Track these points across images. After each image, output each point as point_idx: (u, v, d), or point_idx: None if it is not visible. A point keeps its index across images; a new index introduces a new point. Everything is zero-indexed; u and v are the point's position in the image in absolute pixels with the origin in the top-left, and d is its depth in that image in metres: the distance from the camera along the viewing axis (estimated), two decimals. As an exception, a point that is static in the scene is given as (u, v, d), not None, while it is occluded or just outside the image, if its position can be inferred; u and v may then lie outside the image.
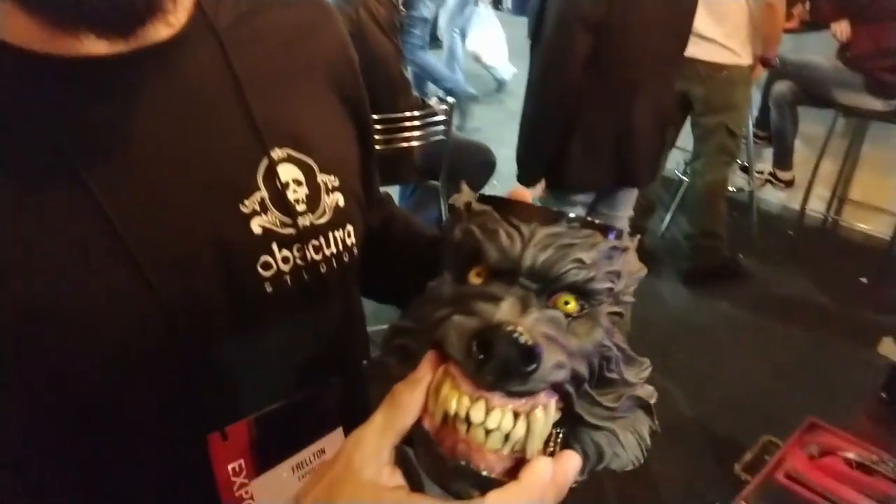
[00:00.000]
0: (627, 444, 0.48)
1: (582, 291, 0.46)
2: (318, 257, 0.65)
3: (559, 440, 0.47)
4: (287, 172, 0.63)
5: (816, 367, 2.74)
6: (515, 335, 0.41)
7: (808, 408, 1.72)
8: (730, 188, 3.47)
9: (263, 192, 0.61)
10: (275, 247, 0.62)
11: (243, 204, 0.60)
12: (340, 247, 0.68)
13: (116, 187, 0.54)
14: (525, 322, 0.43)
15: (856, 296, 3.34)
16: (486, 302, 0.44)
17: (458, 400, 0.43)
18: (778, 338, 2.98)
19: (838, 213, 4.04)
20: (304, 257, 0.64)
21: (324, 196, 0.67)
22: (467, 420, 0.43)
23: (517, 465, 0.44)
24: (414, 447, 0.46)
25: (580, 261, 0.46)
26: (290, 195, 0.63)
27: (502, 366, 0.41)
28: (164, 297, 0.55)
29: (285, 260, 0.63)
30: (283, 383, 0.65)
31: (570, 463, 0.46)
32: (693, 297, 3.34)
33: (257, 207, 0.61)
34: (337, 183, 0.69)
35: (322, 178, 0.67)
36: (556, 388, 0.45)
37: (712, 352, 2.83)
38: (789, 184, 4.18)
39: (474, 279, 0.48)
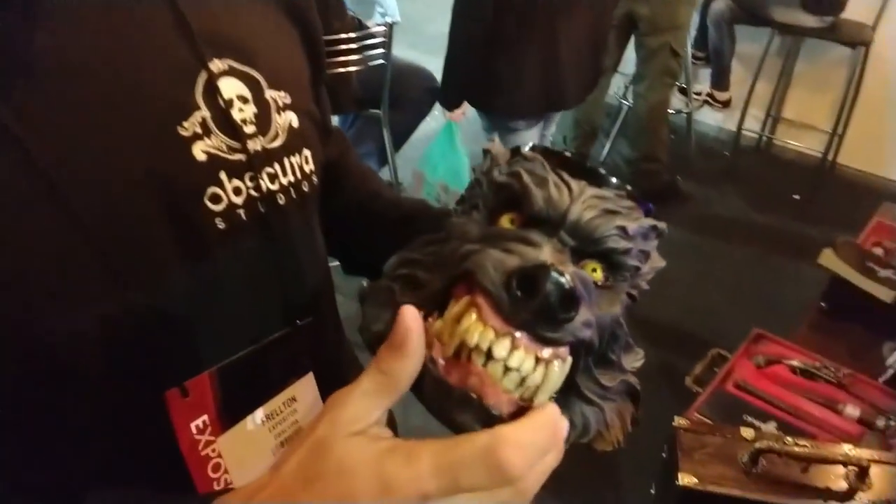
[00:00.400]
0: (613, 425, 0.48)
1: (614, 262, 0.45)
2: (274, 187, 0.59)
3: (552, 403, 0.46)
4: (230, 87, 0.56)
5: (757, 281, 2.83)
6: (563, 279, 0.39)
7: (752, 321, 1.77)
8: (669, 111, 3.48)
9: (204, 112, 0.54)
10: (223, 176, 0.55)
11: (182, 126, 0.52)
12: (298, 174, 0.62)
13: (30, 114, 0.46)
14: (569, 270, 0.41)
15: (790, 212, 3.44)
16: (524, 245, 0.42)
17: (482, 332, 0.40)
18: (719, 256, 3.06)
19: (772, 132, 4.12)
20: (258, 187, 0.57)
21: (274, 115, 0.60)
22: (488, 355, 0.41)
23: (517, 414, 0.42)
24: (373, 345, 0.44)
25: (624, 229, 0.44)
26: (236, 115, 0.56)
27: (543, 306, 0.39)
28: (98, 238, 0.48)
29: (237, 191, 0.56)
30: (247, 329, 0.59)
31: (566, 422, 0.43)
32: (635, 221, 3.37)
33: (198, 129, 0.53)
34: (288, 100, 0.62)
35: (271, 94, 0.60)
36: (573, 348, 0.43)
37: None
38: (726, 104, 4.23)
39: (506, 224, 0.46)
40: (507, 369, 0.41)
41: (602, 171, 0.48)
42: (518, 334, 0.40)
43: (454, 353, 0.42)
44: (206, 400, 0.55)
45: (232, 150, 0.55)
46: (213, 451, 0.56)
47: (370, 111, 2.69)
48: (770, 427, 1.45)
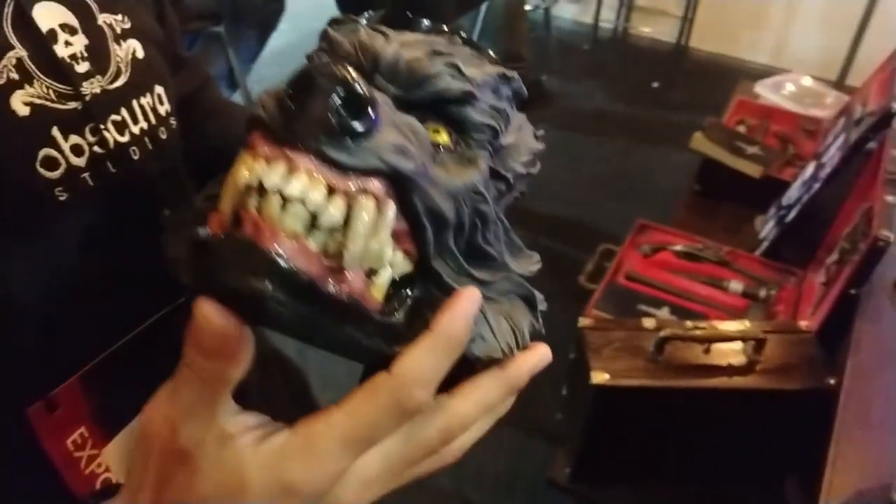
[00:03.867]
0: (497, 328, 0.38)
1: (456, 118, 0.36)
2: (123, 139, 0.46)
3: (407, 302, 0.35)
4: (49, 15, 0.43)
5: (631, 172, 2.90)
6: (345, 72, 0.29)
7: (632, 211, 1.79)
8: (526, 7, 3.42)
9: (19, 50, 0.41)
10: (56, 133, 0.42)
11: None
12: (152, 118, 0.49)
13: None
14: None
15: (652, 100, 3.53)
16: None
17: (251, 167, 0.30)
18: (590, 151, 3.11)
19: (627, 21, 4.17)
20: (102, 142, 0.45)
21: (112, 46, 0.47)
22: (261, 193, 0.30)
23: (328, 276, 0.31)
24: (180, 264, 0.33)
25: (456, 67, 0.35)
26: (62, 50, 0.43)
27: (320, 110, 0.29)
28: None
29: (76, 150, 0.43)
30: (116, 319, 0.48)
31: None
32: (505, 124, 3.35)
33: (14, 75, 0.40)
34: (128, 24, 0.49)
35: (104, 18, 0.47)
36: (405, 201, 0.32)
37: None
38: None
39: None
40: (286, 201, 0.30)
41: (456, 33, 0.40)
42: (296, 155, 0.30)
43: (234, 218, 0.31)
44: (80, 410, 0.45)
45: (62, 97, 0.42)
46: (99, 466, 0.46)
47: (210, 29, 2.42)
48: (664, 312, 1.48)
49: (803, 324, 1.23)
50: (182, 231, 0.34)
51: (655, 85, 3.65)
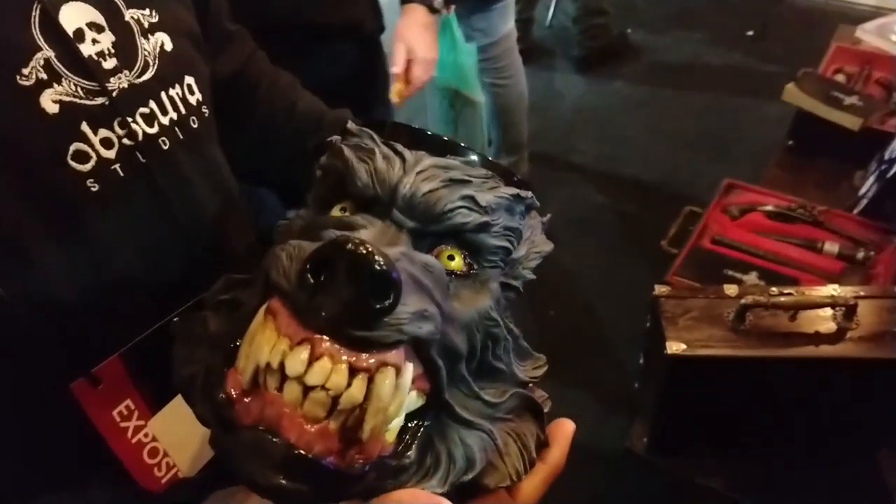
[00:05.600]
0: (508, 452, 0.38)
1: (471, 244, 0.37)
2: (152, 130, 0.49)
3: (419, 435, 0.35)
4: (76, 14, 0.45)
5: (720, 128, 2.76)
6: (364, 252, 0.29)
7: (721, 170, 1.71)
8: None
9: (47, 51, 0.43)
10: (85, 128, 0.45)
11: (21, 75, 0.42)
12: (182, 109, 0.51)
13: None
14: (383, 248, 0.31)
15: (745, 50, 3.33)
16: (344, 230, 0.33)
17: (275, 345, 0.31)
18: (676, 107, 2.98)
19: (719, -33, 3.93)
20: (131, 134, 0.47)
21: (140, 41, 0.49)
22: (282, 374, 0.31)
23: (346, 450, 0.32)
24: (211, 427, 0.34)
25: (472, 199, 0.36)
26: (88, 48, 0.45)
27: (345, 295, 0.29)
28: None
29: (106, 143, 0.46)
30: (155, 301, 0.50)
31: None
32: (588, 83, 3.27)
33: (43, 75, 0.43)
34: (155, 18, 0.51)
35: (132, 14, 0.49)
36: (421, 354, 0.33)
37: (614, 134, 2.79)
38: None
39: (336, 214, 0.38)
40: (308, 389, 0.30)
41: (461, 143, 0.39)
42: (319, 339, 0.30)
43: (252, 382, 0.32)
44: (124, 384, 0.48)
45: (90, 93, 0.45)
46: (146, 435, 0.50)
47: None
48: (752, 277, 1.42)
49: (901, 288, 1.16)
50: (191, 341, 0.37)
51: (749, 34, 3.44)
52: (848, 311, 1.08)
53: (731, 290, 1.17)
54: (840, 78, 1.87)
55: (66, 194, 0.44)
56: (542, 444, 0.40)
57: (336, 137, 0.41)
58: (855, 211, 1.56)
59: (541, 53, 3.43)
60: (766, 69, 3.05)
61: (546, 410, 0.42)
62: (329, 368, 0.30)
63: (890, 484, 1.11)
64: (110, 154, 0.46)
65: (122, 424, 0.48)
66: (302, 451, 0.30)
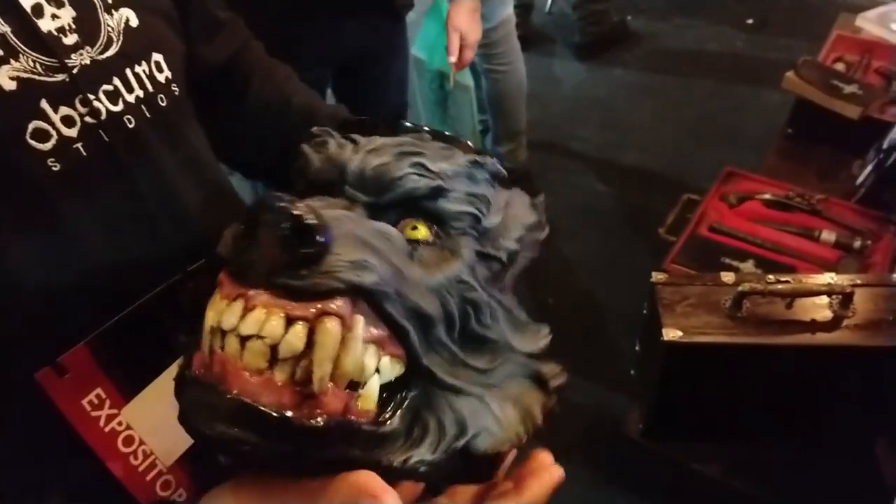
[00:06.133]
0: (504, 417, 0.37)
1: (432, 212, 0.37)
2: (117, 108, 0.48)
3: (405, 405, 0.35)
4: None
5: (720, 115, 2.75)
6: (283, 205, 0.30)
7: (720, 157, 1.71)
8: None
9: (3, 27, 0.42)
10: (45, 105, 0.44)
11: None
12: (149, 86, 0.50)
13: None
14: (320, 209, 0.32)
15: (746, 38, 3.32)
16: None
17: (216, 307, 0.32)
18: (677, 95, 2.97)
19: (719, -46, 3.90)
20: (94, 112, 0.46)
21: (103, 17, 0.48)
22: (220, 334, 0.32)
23: (305, 405, 0.32)
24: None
25: (422, 166, 0.37)
26: (47, 24, 0.44)
27: (270, 249, 0.30)
28: None
29: (67, 121, 0.45)
30: (121, 288, 0.49)
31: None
32: (587, 70, 3.25)
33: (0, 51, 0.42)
34: None
35: None
36: (378, 311, 0.33)
37: (615, 122, 2.78)
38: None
39: None
40: (245, 340, 0.31)
41: (447, 133, 0.40)
42: (252, 293, 0.31)
43: (209, 353, 0.33)
44: (92, 373, 0.47)
45: (49, 69, 0.44)
46: (120, 424, 0.49)
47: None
48: (748, 265, 1.42)
49: (898, 276, 1.16)
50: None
51: (749, 21, 3.42)
52: (844, 299, 1.08)
53: (728, 277, 1.17)
54: (840, 66, 1.86)
55: (26, 174, 0.43)
56: (552, 412, 0.40)
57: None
58: (853, 200, 1.56)
59: (540, 40, 3.41)
60: (767, 57, 3.04)
61: (561, 382, 0.42)
62: (263, 318, 0.31)
63: (886, 471, 1.12)
64: (72, 132, 0.45)
65: (94, 413, 0.47)
66: (247, 400, 0.30)
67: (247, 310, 0.31)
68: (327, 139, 0.39)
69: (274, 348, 0.31)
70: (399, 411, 0.35)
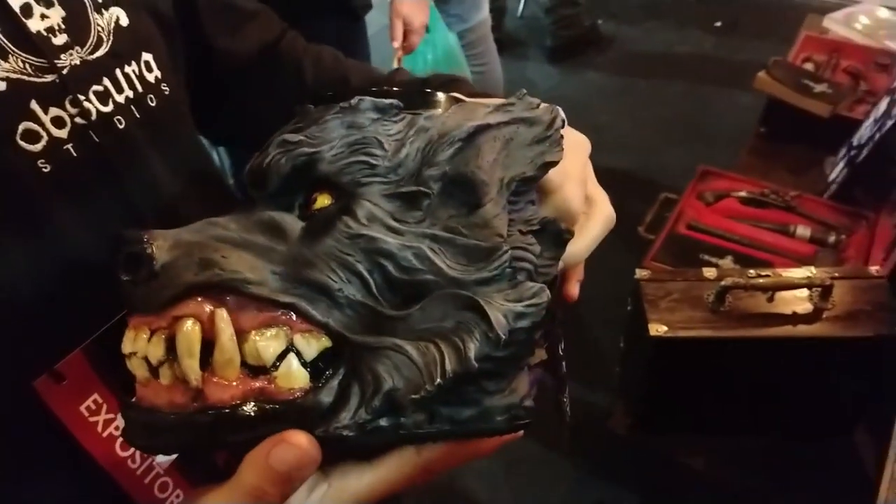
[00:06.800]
0: (419, 358, 0.34)
1: (321, 180, 0.36)
2: (107, 108, 0.47)
3: (334, 376, 0.34)
4: None
5: (693, 116, 2.79)
6: (119, 241, 0.36)
7: (695, 157, 1.74)
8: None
9: None
10: (35, 106, 0.43)
11: None
12: (139, 87, 0.50)
13: None
14: (153, 233, 0.36)
15: (715, 40, 3.38)
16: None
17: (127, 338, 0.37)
18: (649, 96, 3.01)
19: (687, -41, 3.97)
20: (84, 113, 0.45)
21: (93, 16, 0.47)
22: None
23: (198, 399, 0.34)
24: None
25: (284, 143, 0.36)
26: (36, 24, 0.44)
27: (121, 274, 0.35)
28: None
29: (58, 122, 0.44)
30: (116, 292, 0.49)
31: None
32: (561, 74, 3.28)
33: None
34: None
35: None
36: (237, 296, 0.34)
37: (589, 124, 2.75)
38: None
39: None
40: (128, 357, 0.36)
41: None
42: (135, 320, 0.36)
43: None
44: (89, 378, 0.46)
45: (39, 70, 0.43)
46: (117, 428, 0.48)
47: None
48: (727, 261, 1.45)
49: (874, 269, 1.19)
50: None
51: (718, 24, 3.49)
52: (824, 291, 1.11)
53: (710, 273, 1.19)
54: (809, 66, 1.90)
55: (16, 176, 0.42)
56: (496, 340, 0.34)
57: None
58: (826, 196, 1.59)
59: (513, 44, 3.44)
60: (737, 58, 3.09)
61: (562, 347, 0.41)
62: (133, 336, 0.35)
63: (865, 460, 1.15)
64: (62, 133, 0.44)
65: (91, 419, 0.47)
66: (146, 406, 0.35)
67: (133, 332, 0.35)
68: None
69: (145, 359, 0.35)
70: (329, 383, 0.35)
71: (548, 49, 3.36)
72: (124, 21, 0.49)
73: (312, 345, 0.35)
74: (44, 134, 0.43)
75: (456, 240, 0.36)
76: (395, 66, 1.52)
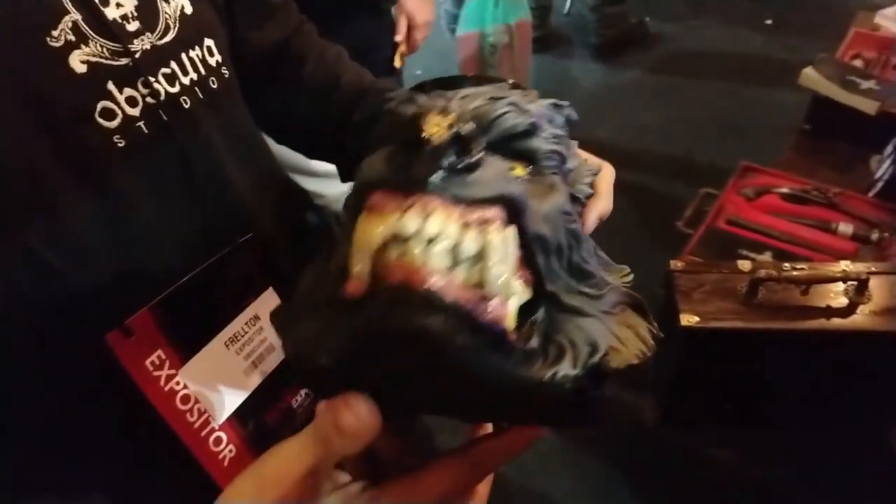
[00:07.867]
0: (625, 338, 0.37)
1: (526, 150, 0.38)
2: (174, 90, 0.52)
3: (536, 329, 0.35)
4: None
5: (738, 114, 2.76)
6: (442, 118, 0.31)
7: (738, 155, 1.72)
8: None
9: (74, 14, 0.46)
10: (112, 87, 0.48)
11: (51, 36, 0.45)
12: (202, 70, 0.54)
13: None
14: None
15: (764, 38, 3.32)
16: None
17: (384, 222, 0.32)
18: (695, 95, 2.97)
19: (738, -44, 3.91)
20: (154, 93, 0.50)
21: (161, 5, 0.52)
22: (401, 241, 0.32)
23: (475, 315, 0.31)
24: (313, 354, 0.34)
25: (516, 105, 0.38)
26: (113, 12, 0.48)
27: (433, 155, 0.31)
28: None
29: (131, 101, 0.49)
30: (178, 253, 0.53)
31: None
32: (605, 71, 3.27)
33: (71, 37, 0.46)
34: None
35: None
36: (518, 224, 0.34)
37: (632, 122, 2.80)
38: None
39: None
40: (429, 242, 0.31)
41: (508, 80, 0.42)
42: (427, 198, 0.31)
43: (374, 278, 0.32)
44: (154, 336, 0.51)
45: (115, 54, 0.48)
46: (178, 383, 0.53)
47: None
48: (766, 257, 1.44)
49: (913, 265, 1.17)
50: (302, 325, 0.36)
51: (768, 22, 3.43)
52: (860, 285, 1.09)
53: (744, 265, 1.19)
54: (858, 63, 1.87)
55: (94, 150, 0.47)
56: (656, 336, 0.38)
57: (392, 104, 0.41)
58: (870, 193, 1.57)
59: (558, 41, 3.44)
60: (784, 57, 3.03)
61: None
62: (444, 219, 0.31)
63: (898, 455, 1.13)
64: (135, 112, 0.49)
65: (155, 374, 0.51)
66: (445, 298, 0.30)
67: (426, 213, 0.31)
68: (412, 95, 0.40)
69: (453, 250, 0.32)
70: (536, 333, 0.35)
71: (592, 47, 3.35)
72: (188, 9, 0.54)
73: (525, 294, 0.35)
74: (119, 112, 0.48)
75: (598, 249, 0.41)
76: (397, 63, 1.54)
